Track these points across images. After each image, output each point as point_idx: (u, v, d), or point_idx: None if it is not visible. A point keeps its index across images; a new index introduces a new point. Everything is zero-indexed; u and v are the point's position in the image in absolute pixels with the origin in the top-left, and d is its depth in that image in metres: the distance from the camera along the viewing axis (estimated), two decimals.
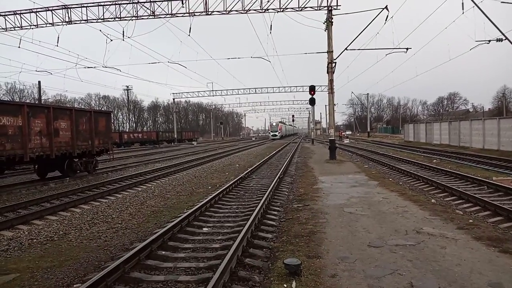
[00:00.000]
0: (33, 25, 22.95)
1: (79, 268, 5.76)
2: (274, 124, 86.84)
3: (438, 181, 13.08)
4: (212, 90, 61.45)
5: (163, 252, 6.31)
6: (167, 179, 16.74)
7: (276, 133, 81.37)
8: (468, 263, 5.15)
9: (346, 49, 22.34)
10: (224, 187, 12.18)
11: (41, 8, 22.57)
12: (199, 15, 21.78)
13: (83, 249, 6.79)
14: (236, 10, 21.64)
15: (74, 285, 5.07)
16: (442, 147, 31.97)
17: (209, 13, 21.68)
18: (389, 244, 6.07)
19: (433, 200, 10.28)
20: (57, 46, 23.10)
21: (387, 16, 20.31)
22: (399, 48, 22.50)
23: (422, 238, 6.34)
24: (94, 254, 6.45)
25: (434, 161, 21.25)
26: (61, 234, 7.89)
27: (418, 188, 12.72)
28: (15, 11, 23.09)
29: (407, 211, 8.36)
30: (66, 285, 5.12)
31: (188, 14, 21.68)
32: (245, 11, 21.59)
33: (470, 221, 7.71)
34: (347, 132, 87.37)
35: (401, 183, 13.82)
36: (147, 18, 22.22)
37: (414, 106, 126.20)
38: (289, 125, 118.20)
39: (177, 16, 21.95)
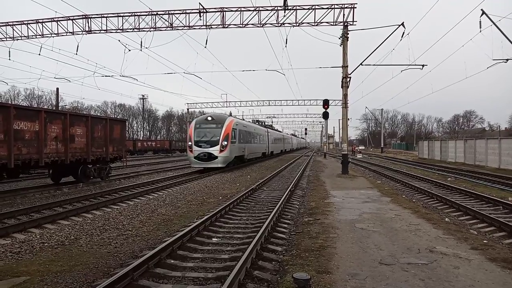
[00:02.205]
0: (54, 34, 23.50)
1: (89, 274, 5.79)
2: (208, 118, 26.66)
3: (452, 199, 12.85)
4: (226, 102, 61.71)
5: (172, 261, 6.30)
6: (178, 188, 16.79)
7: (214, 151, 24.75)
8: (481, 285, 5.02)
9: (361, 64, 22.37)
10: (235, 198, 12.16)
11: (62, 17, 23.12)
12: (216, 27, 22.04)
13: (93, 255, 6.83)
14: (253, 24, 21.84)
15: None
16: (457, 165, 31.47)
17: (226, 26, 21.92)
18: (401, 262, 5.96)
19: (447, 219, 10.09)
20: (76, 54, 23.61)
21: (403, 32, 20.34)
22: (415, 65, 22.41)
23: (435, 257, 6.21)
24: (103, 260, 6.47)
25: (449, 179, 20.90)
26: (72, 239, 7.95)
27: (431, 206, 12.50)
28: (37, 19, 23.71)
29: (420, 229, 8.22)
30: None
31: (205, 27, 21.94)
32: (261, 25, 21.78)
33: (485, 241, 7.53)
34: (360, 147, 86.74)
35: (414, 200, 13.61)
36: (165, 30, 22.58)
37: (429, 123, 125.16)
38: (292, 135, 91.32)
39: (194, 28, 22.23)
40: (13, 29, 23.97)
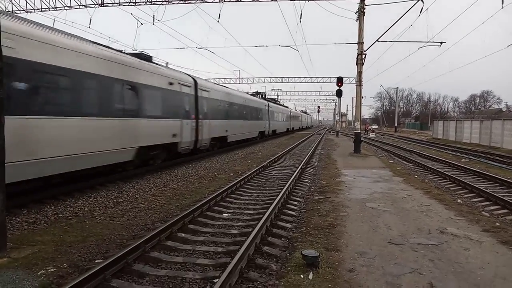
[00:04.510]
0: (67, 7, 23.37)
1: (102, 244, 5.92)
2: None
3: (465, 181, 12.71)
4: (239, 78, 61.28)
5: (183, 235, 6.40)
6: (190, 163, 16.89)
7: None
8: (492, 267, 4.99)
9: (377, 40, 21.79)
10: (246, 175, 12.22)
11: None
12: (230, 1, 21.66)
13: (106, 226, 6.97)
14: None
15: (96, 261, 5.21)
16: (472, 146, 31.01)
17: (240, 0, 21.53)
18: (410, 242, 5.95)
19: (459, 200, 10.01)
20: (89, 27, 23.49)
21: (422, 8, 19.66)
22: (433, 42, 21.79)
23: (445, 238, 6.19)
24: (116, 232, 6.61)
25: (463, 160, 20.64)
26: (86, 210, 8.12)
27: (444, 187, 12.39)
28: None
29: (431, 210, 8.17)
30: (88, 260, 5.27)
31: (218, 0, 21.59)
32: None
33: (497, 224, 7.45)
34: (374, 126, 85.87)
35: (426, 181, 13.49)
36: (178, 3, 22.25)
37: (444, 102, 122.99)
38: (303, 112, 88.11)
39: (208, 2, 21.87)
40: (26, 2, 23.91)
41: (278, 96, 60.43)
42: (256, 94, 37.69)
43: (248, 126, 27.56)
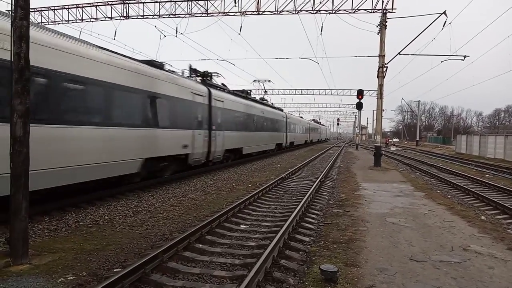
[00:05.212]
0: (93, 19, 24.10)
1: (120, 253, 5.97)
2: None
3: (489, 197, 12.34)
4: (258, 90, 61.56)
5: (201, 245, 6.41)
6: (208, 174, 16.98)
7: None
8: None
9: (399, 53, 21.65)
10: (264, 186, 12.19)
11: (101, 2, 23.67)
12: (251, 14, 21.89)
13: (125, 235, 7.04)
14: (288, 11, 21.51)
15: (114, 269, 5.25)
16: (496, 162, 30.14)
17: (261, 12, 21.72)
18: (432, 259, 5.79)
19: (483, 217, 9.72)
20: (114, 39, 24.15)
21: (445, 21, 19.46)
22: (456, 56, 21.49)
23: (468, 256, 6.00)
24: (135, 241, 6.66)
25: (487, 175, 20.07)
26: (106, 219, 8.23)
27: (467, 203, 12.06)
28: (78, 4, 24.40)
29: (454, 227, 7.95)
30: (107, 269, 5.31)
31: (240, 13, 21.85)
32: (296, 12, 21.41)
33: None
34: (395, 140, 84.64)
35: (449, 196, 13.17)
36: (200, 16, 22.66)
37: (468, 116, 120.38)
38: (316, 121, 76.21)
39: (229, 15, 22.19)
40: (54, 14, 24.78)
41: (266, 91, 43.06)
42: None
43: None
